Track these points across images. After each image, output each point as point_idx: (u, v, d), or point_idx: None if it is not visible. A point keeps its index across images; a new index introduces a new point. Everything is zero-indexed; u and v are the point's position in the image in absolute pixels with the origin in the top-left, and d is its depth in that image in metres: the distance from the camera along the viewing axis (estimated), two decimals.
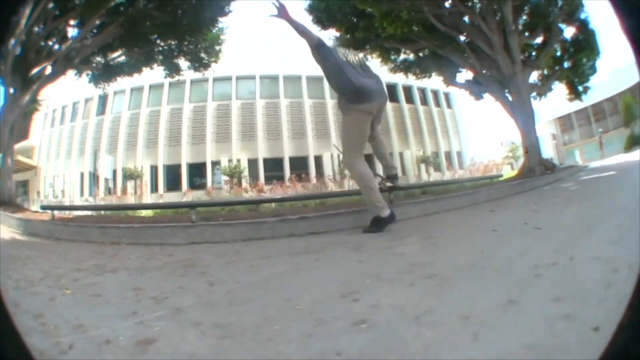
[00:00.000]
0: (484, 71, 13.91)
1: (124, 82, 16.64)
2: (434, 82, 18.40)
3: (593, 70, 16.31)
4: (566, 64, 15.71)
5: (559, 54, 15.71)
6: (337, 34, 14.49)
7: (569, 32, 15.65)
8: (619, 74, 42.89)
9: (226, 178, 22.56)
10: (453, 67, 14.79)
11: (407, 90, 29.61)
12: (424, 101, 31.17)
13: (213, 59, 15.42)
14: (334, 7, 13.55)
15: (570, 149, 42.93)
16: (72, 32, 13.22)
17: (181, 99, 24.52)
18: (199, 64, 15.30)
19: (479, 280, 2.35)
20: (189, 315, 2.18)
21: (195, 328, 1.95)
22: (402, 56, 15.50)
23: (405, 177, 26.69)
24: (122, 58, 14.72)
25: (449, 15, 13.17)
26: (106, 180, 22.46)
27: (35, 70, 12.05)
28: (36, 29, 11.49)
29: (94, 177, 22.17)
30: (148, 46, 14.14)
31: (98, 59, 14.35)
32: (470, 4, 12.83)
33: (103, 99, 23.95)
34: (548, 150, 40.09)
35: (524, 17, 14.83)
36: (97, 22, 12.29)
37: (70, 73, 13.84)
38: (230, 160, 23.47)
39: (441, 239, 4.19)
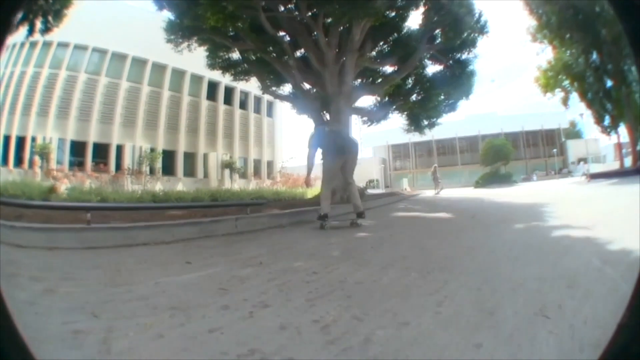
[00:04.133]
0: (305, 84, 13.15)
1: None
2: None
3: (451, 108, 15.94)
4: (414, 97, 15.13)
5: (410, 85, 15.17)
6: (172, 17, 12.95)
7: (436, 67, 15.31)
8: (483, 118, 46.46)
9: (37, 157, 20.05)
10: (278, 75, 13.68)
11: (230, 91, 29.15)
12: (245, 105, 31.06)
13: (56, 24, 13.61)
14: None
15: (400, 175, 45.88)
16: None
17: (28, 62, 21.58)
18: (43, 27, 13.47)
19: None
20: None
21: None
22: (232, 54, 14.30)
23: (207, 181, 25.98)
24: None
25: (288, 20, 12.13)
26: None
27: None
28: None
29: None
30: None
31: None
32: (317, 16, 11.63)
33: None
34: (375, 174, 42.12)
35: (382, 43, 14.16)
36: None
37: None
38: (44, 139, 20.91)
39: None
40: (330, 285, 2.54)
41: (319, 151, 6.85)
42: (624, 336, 0.82)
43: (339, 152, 6.64)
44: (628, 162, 27.35)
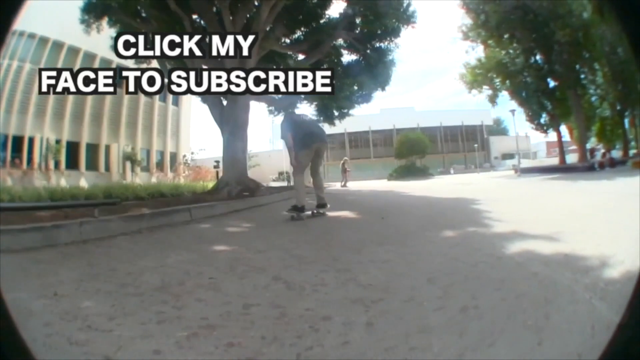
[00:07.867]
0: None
1: None
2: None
3: (365, 99, 15.76)
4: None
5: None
6: None
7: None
8: (399, 112, 47.25)
9: None
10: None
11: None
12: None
13: None
14: None
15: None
16: None
17: None
18: None
19: None
20: None
21: None
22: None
23: (108, 175, 25.30)
24: None
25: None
26: None
27: None
28: None
29: None
30: None
31: None
32: None
33: None
34: (285, 167, 42.20)
35: (295, 27, 13.95)
36: None
37: None
38: None
39: None
40: None
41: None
42: (624, 336, 0.81)
43: (314, 139, 6.54)
44: (569, 159, 29.06)
